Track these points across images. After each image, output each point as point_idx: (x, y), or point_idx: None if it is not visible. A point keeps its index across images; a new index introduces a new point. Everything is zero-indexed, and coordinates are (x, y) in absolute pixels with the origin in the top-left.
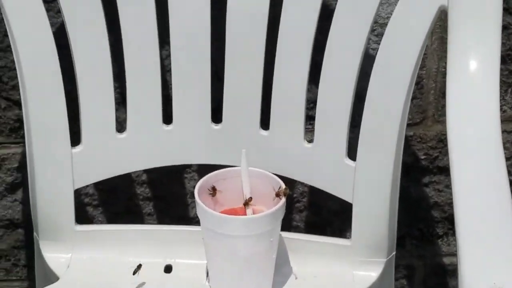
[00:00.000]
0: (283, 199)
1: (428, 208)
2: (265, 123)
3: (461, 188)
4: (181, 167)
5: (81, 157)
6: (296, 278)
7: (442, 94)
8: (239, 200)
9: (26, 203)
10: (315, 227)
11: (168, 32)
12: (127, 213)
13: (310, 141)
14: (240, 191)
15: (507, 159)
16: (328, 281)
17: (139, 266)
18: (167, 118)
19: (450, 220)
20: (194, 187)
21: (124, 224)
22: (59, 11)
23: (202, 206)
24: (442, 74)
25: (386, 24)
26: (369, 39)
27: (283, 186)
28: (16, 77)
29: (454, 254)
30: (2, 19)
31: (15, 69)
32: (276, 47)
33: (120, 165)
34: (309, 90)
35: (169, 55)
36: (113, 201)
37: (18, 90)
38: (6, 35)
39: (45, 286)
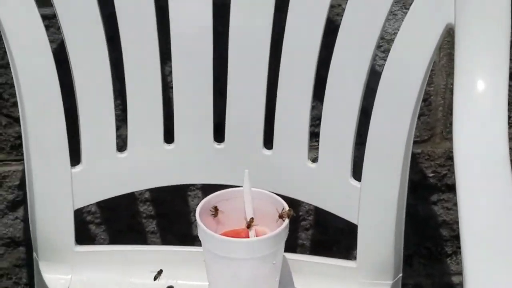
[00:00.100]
0: (286, 221)
1: (437, 226)
2: (268, 143)
3: (467, 209)
4: (184, 185)
5: (81, 177)
6: None
7: (450, 110)
8: (242, 221)
9: (27, 221)
10: (321, 245)
11: (170, 49)
12: (130, 231)
13: (315, 160)
14: (242, 212)
15: None
16: None
17: (160, 272)
18: (169, 137)
19: (459, 238)
20: (197, 205)
21: (124, 245)
22: None
23: (204, 228)
24: (450, 91)
25: (392, 40)
26: (375, 55)
27: (286, 207)
28: None
29: None
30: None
31: None
32: (279, 64)
33: (120, 185)
34: (315, 107)
35: (171, 73)
36: (116, 219)
37: None
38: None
39: None
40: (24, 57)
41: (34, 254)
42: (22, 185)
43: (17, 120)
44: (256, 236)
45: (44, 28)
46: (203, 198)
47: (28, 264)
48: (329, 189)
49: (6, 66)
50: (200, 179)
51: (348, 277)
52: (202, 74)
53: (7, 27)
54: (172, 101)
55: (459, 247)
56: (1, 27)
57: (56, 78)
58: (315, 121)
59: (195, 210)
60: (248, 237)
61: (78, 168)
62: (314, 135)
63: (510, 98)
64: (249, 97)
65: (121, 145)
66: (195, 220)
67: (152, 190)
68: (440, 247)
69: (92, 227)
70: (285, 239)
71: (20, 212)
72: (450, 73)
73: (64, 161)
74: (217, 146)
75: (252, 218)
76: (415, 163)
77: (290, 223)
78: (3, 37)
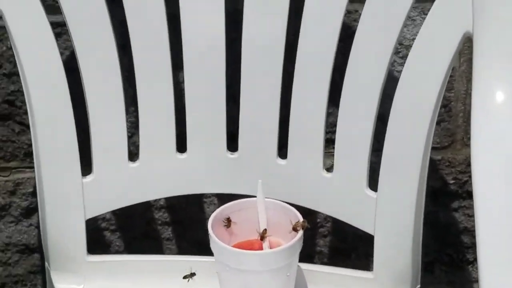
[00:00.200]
0: (300, 232)
1: (458, 233)
2: (282, 152)
3: (484, 221)
4: None
5: (92, 186)
6: None
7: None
8: (255, 231)
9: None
10: (339, 253)
11: (182, 57)
12: (145, 238)
13: (330, 168)
14: (256, 222)
15: None
16: None
17: (192, 274)
18: (181, 146)
19: None
20: (213, 211)
21: (136, 255)
22: None
23: (216, 240)
24: (471, 97)
25: (411, 46)
26: (394, 61)
27: (301, 218)
28: None
29: None
30: None
31: None
32: (294, 71)
33: (132, 195)
34: (331, 113)
35: (183, 80)
36: (131, 226)
37: None
38: None
39: None
40: (33, 65)
41: (46, 263)
42: (36, 192)
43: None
44: (270, 247)
45: (53, 36)
46: (219, 205)
47: (43, 271)
48: (345, 199)
49: (19, 74)
50: (213, 189)
51: None
52: (215, 82)
53: (16, 35)
54: (185, 109)
55: None
56: (10, 35)
57: (66, 86)
58: (332, 127)
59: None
60: (262, 248)
61: (89, 178)
62: (331, 142)
63: None
64: (263, 105)
65: (135, 153)
66: None
67: (167, 197)
68: (461, 254)
69: (107, 233)
70: (299, 250)
71: (34, 219)
72: (470, 79)
73: (75, 170)
74: (231, 155)
75: (265, 229)
76: (436, 170)
77: (308, 229)
78: (12, 45)
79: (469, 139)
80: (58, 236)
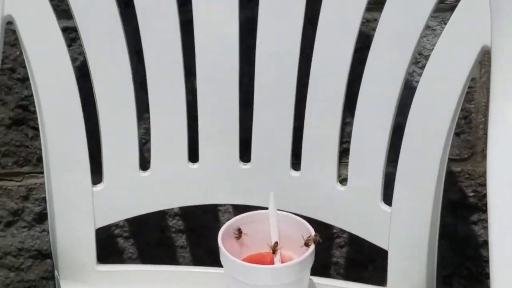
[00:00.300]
0: (312, 247)
1: (477, 247)
2: (296, 163)
3: (498, 241)
4: None
5: (102, 195)
6: None
7: None
8: (267, 244)
9: None
10: (356, 264)
11: (194, 64)
12: (158, 245)
13: (344, 180)
14: (267, 235)
15: None
16: None
17: None
18: (193, 156)
19: None
20: (228, 219)
21: (147, 265)
22: None
23: (226, 254)
24: None
25: None
26: (413, 71)
27: (312, 232)
28: None
29: None
30: None
31: None
32: (308, 82)
33: (143, 204)
34: (348, 123)
35: (196, 90)
36: (145, 233)
37: None
38: None
39: None
40: (44, 71)
41: (56, 272)
42: None
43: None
44: (282, 261)
45: (64, 41)
46: (234, 213)
47: (55, 277)
48: (358, 213)
49: None
50: (225, 199)
51: None
52: (228, 92)
53: (26, 41)
54: (197, 118)
55: None
56: (21, 40)
57: (77, 93)
58: (350, 137)
59: None
60: (273, 262)
61: (99, 187)
62: (348, 152)
63: None
64: (276, 115)
65: (149, 160)
66: None
67: None
68: (480, 268)
69: (120, 240)
70: (311, 264)
71: (47, 225)
72: None
73: (85, 179)
74: (243, 166)
75: (277, 242)
76: (455, 182)
77: (324, 240)
78: (22, 51)
79: None
80: (68, 245)
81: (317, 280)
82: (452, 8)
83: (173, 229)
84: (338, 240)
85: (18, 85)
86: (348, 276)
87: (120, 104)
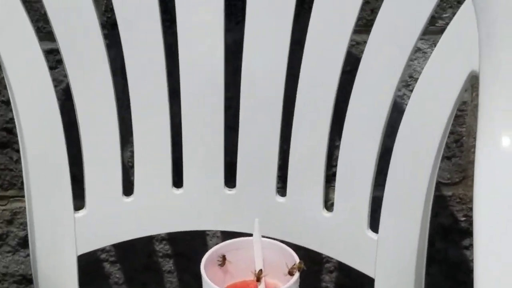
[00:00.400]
0: (296, 275)
1: (469, 272)
2: (282, 189)
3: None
4: None
5: (84, 222)
6: None
7: None
8: (251, 272)
9: None
10: None
11: (179, 89)
12: (146, 270)
13: (333, 205)
14: (252, 262)
15: None
16: None
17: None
18: (178, 181)
19: None
20: (216, 243)
21: None
22: None
23: (208, 282)
24: None
25: None
26: (403, 94)
27: (297, 260)
28: None
29: None
30: None
31: None
32: (294, 107)
33: (126, 231)
34: (338, 146)
35: (180, 114)
36: (131, 258)
37: None
38: None
39: None
40: (25, 94)
41: None
42: None
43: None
44: None
45: (46, 65)
46: (222, 237)
47: None
48: (345, 240)
49: None
50: (210, 225)
51: None
52: (213, 117)
53: (8, 64)
54: (182, 143)
55: None
56: (2, 64)
57: (58, 117)
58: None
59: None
60: None
61: (81, 213)
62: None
63: None
64: (262, 140)
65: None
66: None
67: None
68: None
69: (107, 265)
70: None
71: None
72: None
73: (67, 205)
74: (228, 191)
75: (261, 270)
76: (446, 206)
77: (313, 265)
78: (4, 75)
79: None
80: (49, 271)
81: None
82: (442, 31)
83: (160, 254)
84: (327, 265)
85: (3, 108)
86: None
87: (103, 129)
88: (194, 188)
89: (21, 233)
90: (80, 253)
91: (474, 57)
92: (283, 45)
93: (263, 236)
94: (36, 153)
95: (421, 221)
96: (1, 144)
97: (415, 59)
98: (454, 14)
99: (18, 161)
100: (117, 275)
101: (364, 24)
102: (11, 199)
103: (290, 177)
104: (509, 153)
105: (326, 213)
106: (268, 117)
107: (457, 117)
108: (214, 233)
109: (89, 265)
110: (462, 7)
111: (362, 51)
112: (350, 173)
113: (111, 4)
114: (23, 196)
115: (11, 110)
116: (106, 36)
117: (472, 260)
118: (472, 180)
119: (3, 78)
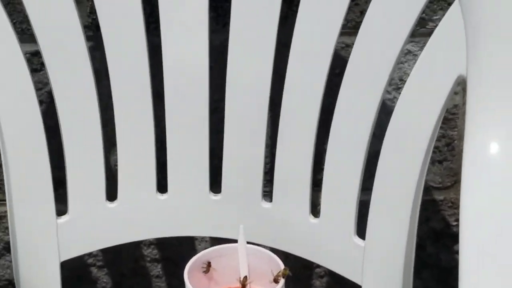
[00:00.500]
0: (282, 282)
1: None
2: (268, 195)
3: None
4: None
5: (67, 227)
6: None
7: None
8: (236, 279)
9: None
10: None
11: (163, 92)
12: (134, 275)
13: (317, 213)
14: (237, 269)
15: None
16: None
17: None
18: (162, 186)
19: None
20: (205, 248)
21: None
22: None
23: None
24: None
25: None
26: (394, 97)
27: (282, 267)
28: None
29: None
30: None
31: None
32: (280, 111)
33: (110, 237)
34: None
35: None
36: (119, 262)
37: None
38: None
39: None
40: (5, 98)
41: None
42: None
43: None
44: None
45: (28, 69)
46: (210, 242)
47: None
48: (331, 247)
49: None
50: (195, 231)
51: None
52: (197, 120)
53: None
54: (166, 147)
55: None
56: None
57: (40, 121)
58: None
59: None
60: None
61: (64, 218)
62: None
63: None
64: (247, 145)
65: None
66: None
67: None
68: None
69: (94, 270)
70: None
71: None
72: None
73: (49, 210)
74: (214, 197)
75: (246, 277)
76: (438, 211)
77: (304, 269)
78: None
79: None
80: (31, 278)
81: None
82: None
83: (148, 258)
84: (318, 270)
85: None
86: None
87: (86, 132)
88: (178, 193)
89: (7, 238)
90: (63, 259)
91: (462, 60)
92: (269, 47)
93: (249, 243)
94: (17, 157)
95: (408, 227)
96: None
97: (406, 61)
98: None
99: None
100: (105, 280)
101: (354, 26)
102: None
103: (276, 182)
104: (496, 159)
105: (312, 219)
106: (254, 121)
107: (448, 120)
108: (202, 238)
109: (76, 270)
110: (450, 9)
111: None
112: (336, 179)
113: None
114: None
115: None
116: (91, 38)
117: None
118: None
119: None
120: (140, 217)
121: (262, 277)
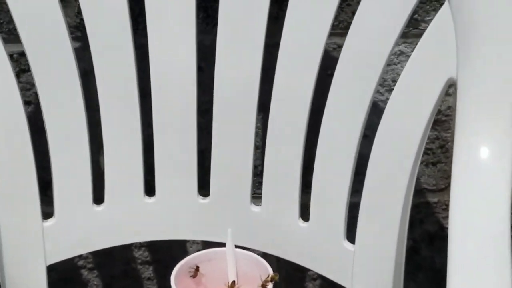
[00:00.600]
0: (270, 286)
1: None
2: (257, 198)
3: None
4: None
5: (53, 231)
6: None
7: None
8: (224, 283)
9: None
10: None
11: (150, 94)
12: (125, 277)
13: (307, 217)
14: (225, 273)
15: None
16: None
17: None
18: (150, 189)
19: None
20: (197, 250)
21: None
22: None
23: None
24: None
25: None
26: (386, 98)
27: (271, 272)
28: None
29: None
30: None
31: None
32: (268, 115)
33: (97, 240)
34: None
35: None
36: (110, 264)
37: None
38: None
39: None
40: None
41: None
42: None
43: None
44: None
45: (13, 71)
46: (202, 244)
47: None
48: (321, 251)
49: None
50: (183, 235)
51: None
52: (185, 122)
53: None
54: (153, 150)
55: None
56: None
57: (25, 123)
58: None
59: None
60: None
61: (50, 222)
62: None
63: None
64: (236, 147)
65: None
66: None
67: None
68: None
69: (84, 272)
70: None
71: None
72: None
73: (35, 213)
74: (202, 200)
75: (234, 282)
76: (432, 213)
77: (297, 271)
78: None
79: None
80: (18, 282)
81: None
82: None
83: (139, 261)
84: (311, 272)
85: None
86: None
87: (72, 134)
88: (166, 196)
89: None
90: (49, 263)
91: (451, 65)
92: (257, 48)
93: (238, 247)
94: (2, 159)
95: (398, 230)
96: None
97: (399, 63)
98: None
99: None
100: (95, 282)
101: (345, 26)
102: None
103: (265, 185)
104: (486, 163)
105: (302, 223)
106: (242, 123)
107: (442, 122)
108: (194, 240)
109: (66, 272)
110: (441, 10)
111: None
112: (326, 182)
113: None
114: None
115: None
116: (79, 39)
117: None
118: None
119: None
120: (127, 220)
121: (251, 282)
